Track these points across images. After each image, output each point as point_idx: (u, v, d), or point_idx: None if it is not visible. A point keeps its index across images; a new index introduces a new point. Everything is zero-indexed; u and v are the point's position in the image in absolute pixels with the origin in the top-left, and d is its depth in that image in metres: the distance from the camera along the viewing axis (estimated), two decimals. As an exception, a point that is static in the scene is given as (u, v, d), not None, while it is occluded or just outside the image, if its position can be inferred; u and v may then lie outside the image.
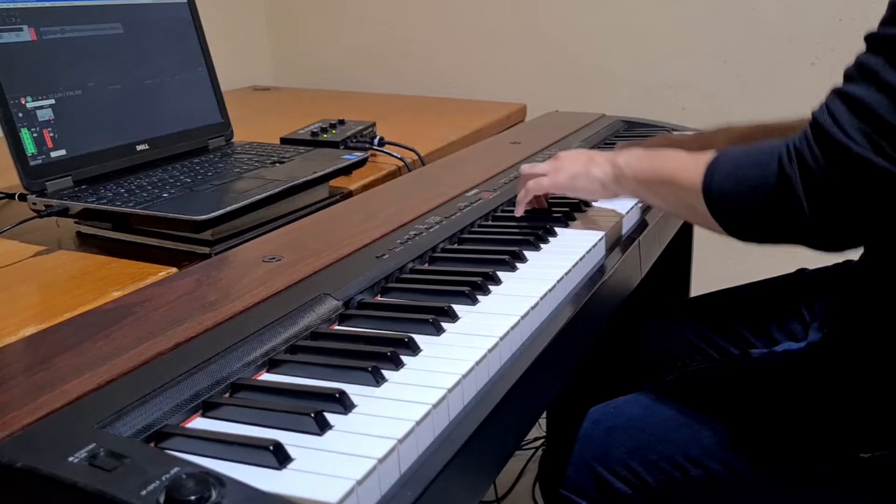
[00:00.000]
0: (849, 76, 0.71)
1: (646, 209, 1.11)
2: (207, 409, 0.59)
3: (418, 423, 0.57)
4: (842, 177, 0.69)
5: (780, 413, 0.85)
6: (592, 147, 1.41)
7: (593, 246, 0.92)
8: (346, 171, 1.13)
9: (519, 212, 1.01)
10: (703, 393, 0.91)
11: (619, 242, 1.00)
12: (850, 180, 0.68)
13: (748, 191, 0.76)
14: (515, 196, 1.04)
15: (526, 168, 1.03)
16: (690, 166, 0.83)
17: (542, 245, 0.93)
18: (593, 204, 1.08)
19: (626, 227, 1.04)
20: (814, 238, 0.74)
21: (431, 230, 0.94)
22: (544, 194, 1.03)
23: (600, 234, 0.95)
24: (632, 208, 1.06)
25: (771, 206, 0.73)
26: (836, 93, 0.71)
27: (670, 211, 0.94)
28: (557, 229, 0.98)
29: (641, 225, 1.08)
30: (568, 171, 0.97)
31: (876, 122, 0.67)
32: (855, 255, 0.91)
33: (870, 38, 0.71)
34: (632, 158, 0.93)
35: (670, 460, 0.87)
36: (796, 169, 0.71)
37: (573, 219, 1.02)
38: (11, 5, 0.97)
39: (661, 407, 0.92)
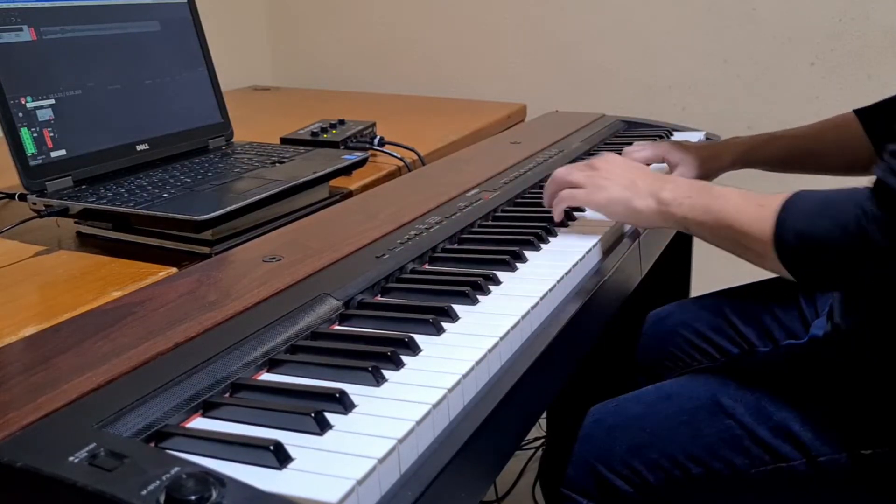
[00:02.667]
0: None
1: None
2: (207, 409, 0.59)
3: (418, 422, 0.57)
4: None
5: (780, 411, 0.85)
6: (592, 147, 1.41)
7: (593, 246, 0.92)
8: (346, 171, 1.13)
9: (557, 217, 0.98)
10: (703, 391, 0.91)
11: (619, 242, 1.00)
12: None
13: (826, 249, 0.74)
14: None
15: (562, 173, 0.97)
16: (753, 213, 0.80)
17: (542, 245, 0.93)
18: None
19: (627, 226, 1.04)
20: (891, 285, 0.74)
21: (431, 230, 0.94)
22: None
23: (601, 234, 0.95)
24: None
25: (851, 263, 0.73)
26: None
27: (725, 250, 0.88)
28: (558, 229, 0.98)
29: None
30: (608, 193, 0.92)
31: None
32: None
33: None
34: (679, 195, 0.87)
35: (671, 459, 0.87)
36: (878, 233, 0.70)
37: (573, 218, 1.01)
38: (11, 5, 0.97)
39: (662, 405, 0.92)
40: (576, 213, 1.03)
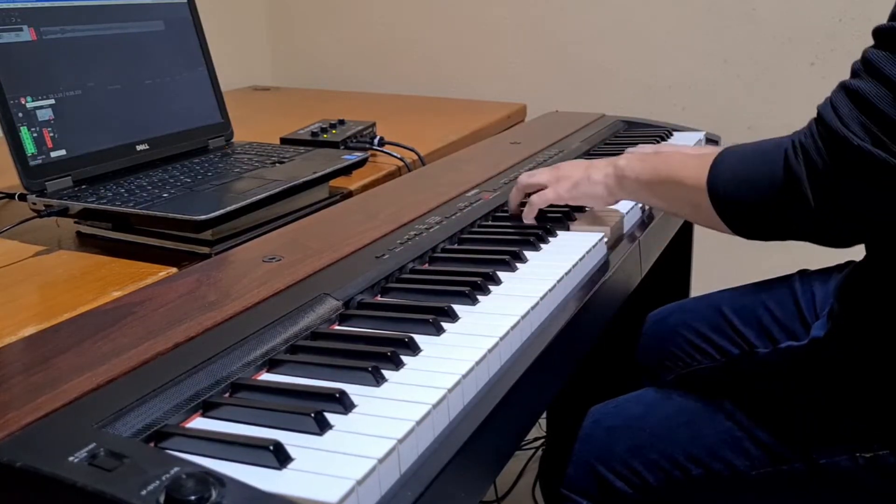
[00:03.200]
0: (855, 71, 0.72)
1: (646, 209, 1.11)
2: (207, 409, 0.59)
3: (418, 423, 0.57)
4: (845, 170, 0.69)
5: (781, 412, 0.85)
6: (592, 147, 1.41)
7: (593, 246, 0.92)
8: (346, 171, 1.13)
9: (528, 219, 0.99)
10: (703, 392, 0.91)
11: (619, 242, 1.00)
12: (852, 173, 0.69)
13: (755, 187, 0.76)
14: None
15: (524, 178, 1.01)
16: (693, 164, 0.83)
17: (542, 245, 0.93)
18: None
19: (627, 226, 1.04)
20: (820, 233, 0.75)
21: (431, 230, 0.94)
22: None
23: (600, 234, 0.95)
24: (632, 208, 1.06)
25: (778, 201, 0.74)
26: (841, 86, 0.72)
27: (673, 212, 0.94)
28: (557, 230, 0.98)
29: (642, 225, 1.08)
30: (569, 179, 0.96)
31: (877, 116, 0.67)
32: (857, 255, 0.91)
33: (876, 33, 0.72)
34: (633, 160, 0.93)
35: (671, 459, 0.87)
36: (802, 163, 0.72)
37: (573, 219, 1.01)
38: (11, 5, 0.97)
39: (662, 406, 0.92)
40: (575, 214, 1.03)
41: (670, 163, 0.88)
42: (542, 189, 0.98)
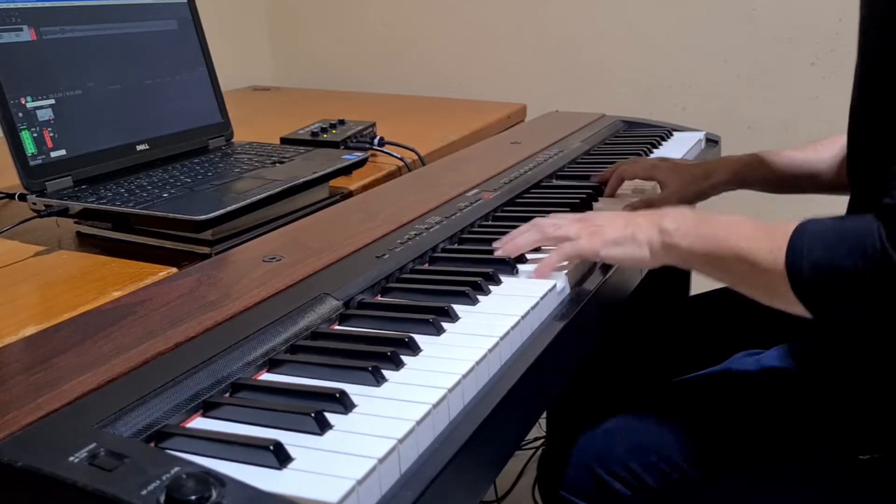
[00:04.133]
0: None
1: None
2: (207, 408, 0.59)
3: (418, 422, 0.57)
4: None
5: (777, 413, 0.85)
6: (592, 147, 1.41)
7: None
8: (346, 171, 1.13)
9: (544, 273, 0.85)
10: (703, 393, 0.91)
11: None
12: None
13: (846, 279, 0.69)
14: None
15: (547, 225, 0.89)
16: (765, 244, 0.75)
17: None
18: (593, 204, 1.08)
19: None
20: None
21: (431, 230, 0.94)
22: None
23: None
24: (632, 208, 1.06)
25: (874, 292, 0.68)
26: None
27: (737, 288, 0.83)
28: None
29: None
30: (606, 235, 0.85)
31: None
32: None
33: None
34: (683, 224, 0.82)
35: (670, 461, 0.86)
36: None
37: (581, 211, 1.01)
38: (11, 5, 0.97)
39: (662, 408, 0.92)
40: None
41: (734, 236, 0.78)
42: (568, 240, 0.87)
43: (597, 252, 0.85)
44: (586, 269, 0.90)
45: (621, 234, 0.84)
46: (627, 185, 1.17)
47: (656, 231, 0.83)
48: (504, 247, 0.88)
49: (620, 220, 0.86)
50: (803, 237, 0.73)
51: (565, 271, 0.84)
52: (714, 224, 0.81)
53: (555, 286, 0.81)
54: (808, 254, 0.71)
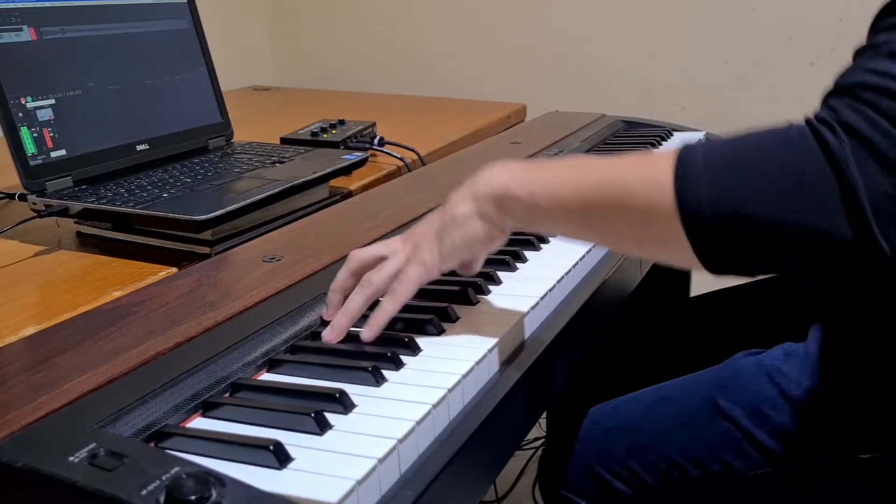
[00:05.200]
0: (863, 50, 0.57)
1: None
2: (207, 408, 0.59)
3: (418, 423, 0.57)
4: None
5: (779, 414, 0.85)
6: (592, 147, 1.41)
7: (593, 245, 0.92)
8: (346, 171, 1.13)
9: (369, 336, 0.67)
10: (701, 394, 0.91)
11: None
12: None
13: (767, 195, 0.52)
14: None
15: (364, 258, 0.71)
16: (637, 171, 0.57)
17: (542, 245, 0.93)
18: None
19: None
20: (876, 244, 0.51)
21: (431, 230, 0.93)
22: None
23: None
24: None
25: (809, 210, 0.51)
26: (872, 51, 0.55)
27: (609, 245, 0.67)
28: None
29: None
30: (427, 236, 0.69)
31: None
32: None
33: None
34: (516, 173, 0.65)
35: (670, 461, 0.87)
36: (848, 147, 0.50)
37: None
38: (11, 5, 0.97)
39: (661, 407, 0.92)
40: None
41: (586, 171, 0.60)
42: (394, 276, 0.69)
43: (428, 268, 0.69)
44: (587, 271, 0.90)
45: (438, 224, 0.68)
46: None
47: (482, 188, 0.66)
48: (335, 329, 0.68)
49: (436, 212, 0.71)
50: (693, 154, 0.55)
51: (565, 271, 0.84)
52: (555, 164, 0.64)
53: (555, 286, 0.81)
54: (702, 174, 0.53)
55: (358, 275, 0.71)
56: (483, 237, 0.68)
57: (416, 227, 0.72)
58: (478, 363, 0.65)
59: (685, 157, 0.55)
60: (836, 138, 0.51)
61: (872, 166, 0.50)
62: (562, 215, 0.63)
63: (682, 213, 0.54)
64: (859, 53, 0.58)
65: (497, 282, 0.82)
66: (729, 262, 0.56)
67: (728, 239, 0.54)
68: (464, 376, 0.63)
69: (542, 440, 1.70)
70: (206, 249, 0.92)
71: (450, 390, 0.61)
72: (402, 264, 0.69)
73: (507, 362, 0.70)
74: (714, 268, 0.57)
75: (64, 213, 0.94)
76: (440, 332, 0.71)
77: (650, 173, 0.56)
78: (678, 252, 0.56)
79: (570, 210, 0.62)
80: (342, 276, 0.72)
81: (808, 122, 0.54)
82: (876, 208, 0.50)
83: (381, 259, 0.70)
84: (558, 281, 0.82)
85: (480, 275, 0.81)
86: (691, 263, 0.57)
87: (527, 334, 0.75)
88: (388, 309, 0.68)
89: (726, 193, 0.53)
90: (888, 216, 0.50)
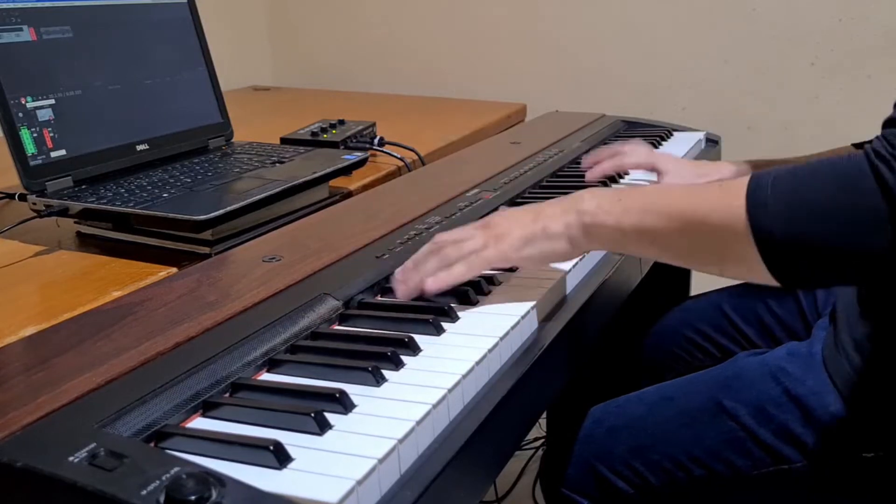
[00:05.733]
0: None
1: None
2: (207, 409, 0.59)
3: (418, 423, 0.57)
4: None
5: (782, 413, 0.85)
6: (592, 147, 1.41)
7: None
8: (346, 171, 1.13)
9: (433, 287, 0.75)
10: (705, 392, 0.91)
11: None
12: None
13: (831, 220, 0.59)
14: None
15: (447, 245, 0.77)
16: (713, 199, 0.64)
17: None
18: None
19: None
20: None
21: (431, 230, 0.93)
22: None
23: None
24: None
25: (866, 236, 0.58)
26: None
27: (686, 264, 0.71)
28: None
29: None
30: (513, 236, 0.76)
31: None
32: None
33: None
34: (603, 201, 0.73)
35: (673, 460, 0.86)
36: None
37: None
38: (11, 5, 0.97)
39: (663, 406, 0.92)
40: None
41: (665, 199, 0.67)
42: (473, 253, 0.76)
43: (506, 257, 0.76)
44: (587, 270, 0.90)
45: (530, 230, 0.75)
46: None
47: (573, 215, 0.74)
48: (405, 282, 0.77)
49: (528, 216, 0.77)
50: (762, 182, 0.61)
51: (565, 271, 0.84)
52: (640, 193, 0.71)
53: (555, 286, 0.81)
54: (775, 199, 0.60)
55: (434, 253, 0.78)
56: (562, 255, 0.77)
57: (496, 217, 0.79)
58: (478, 363, 0.65)
59: (755, 188, 0.62)
60: (892, 175, 0.57)
61: None
62: (646, 241, 0.70)
63: (755, 237, 0.61)
64: None
65: (497, 282, 0.82)
66: (800, 278, 0.63)
67: (796, 260, 0.61)
68: (464, 376, 0.63)
69: (543, 440, 1.70)
70: (206, 249, 0.92)
71: (450, 390, 0.61)
72: (479, 247, 0.76)
73: (506, 362, 0.70)
74: (787, 283, 0.64)
75: (64, 213, 0.94)
76: (440, 332, 0.71)
77: (725, 201, 0.63)
78: (755, 270, 0.63)
79: (654, 236, 0.69)
80: (422, 252, 0.79)
81: (866, 154, 0.59)
82: None
83: (460, 241, 0.77)
84: (558, 280, 0.82)
85: (481, 275, 0.81)
86: (768, 280, 0.64)
87: (527, 333, 0.75)
88: (458, 272, 0.75)
89: (792, 223, 0.60)
90: None
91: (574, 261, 0.87)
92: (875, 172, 0.58)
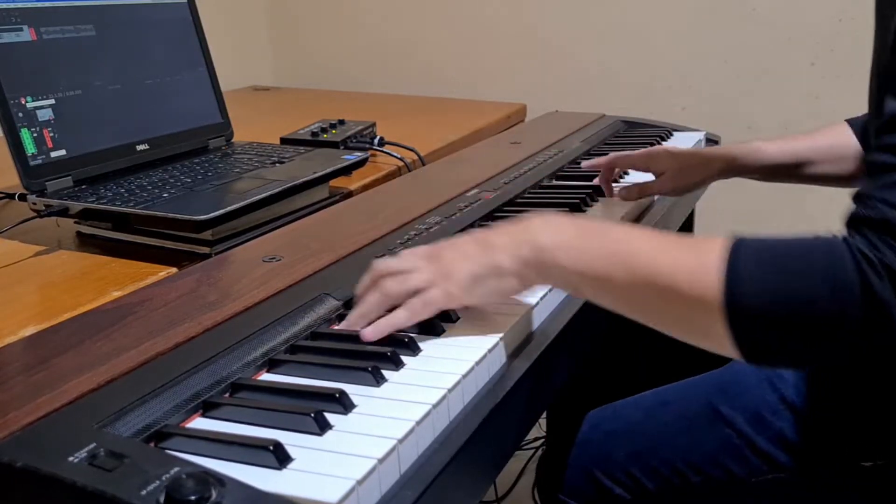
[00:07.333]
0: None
1: (648, 206, 1.11)
2: (207, 409, 0.59)
3: (418, 423, 0.57)
4: None
5: (779, 420, 0.84)
6: (592, 147, 1.40)
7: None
8: (346, 171, 1.13)
9: (370, 336, 0.67)
10: (702, 399, 0.91)
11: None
12: None
13: (803, 311, 0.56)
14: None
15: (389, 281, 0.70)
16: (685, 263, 0.59)
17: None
18: (593, 203, 1.08)
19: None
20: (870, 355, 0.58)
21: (431, 230, 0.94)
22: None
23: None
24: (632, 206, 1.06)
25: (844, 329, 0.55)
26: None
27: (643, 320, 0.65)
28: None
29: (637, 221, 1.08)
30: (461, 273, 0.68)
31: None
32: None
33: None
34: (562, 236, 0.66)
35: (670, 466, 0.86)
36: (889, 292, 0.54)
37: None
38: (11, 5, 0.97)
39: (661, 412, 0.91)
40: (584, 208, 1.02)
41: (632, 250, 0.62)
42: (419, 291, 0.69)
43: (454, 299, 0.69)
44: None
45: (479, 266, 0.68)
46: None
47: (526, 249, 0.67)
48: (349, 318, 0.71)
49: (475, 246, 0.70)
50: (742, 256, 0.58)
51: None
52: (604, 233, 0.65)
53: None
54: (751, 281, 0.57)
55: (376, 288, 0.72)
56: (514, 292, 0.71)
57: (443, 249, 0.72)
58: (478, 363, 0.65)
59: (734, 259, 0.58)
60: (881, 282, 0.54)
61: None
62: (603, 290, 0.66)
63: (728, 316, 0.57)
64: (879, 169, 0.58)
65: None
66: (769, 361, 0.62)
67: (768, 344, 0.58)
68: (464, 376, 0.63)
69: (542, 440, 1.70)
70: (206, 249, 0.92)
71: (450, 390, 0.61)
72: (424, 284, 0.69)
73: (506, 362, 0.70)
74: (755, 362, 0.61)
75: (64, 213, 0.94)
76: (440, 332, 0.71)
77: (697, 265, 0.59)
78: (718, 341, 0.60)
79: (615, 288, 0.64)
80: (363, 284, 0.73)
81: (851, 252, 0.56)
82: None
83: (403, 273, 0.70)
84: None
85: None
86: (734, 354, 0.60)
87: (527, 334, 0.75)
88: (400, 319, 0.68)
89: (770, 314, 0.57)
90: None
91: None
92: (863, 279, 0.55)
